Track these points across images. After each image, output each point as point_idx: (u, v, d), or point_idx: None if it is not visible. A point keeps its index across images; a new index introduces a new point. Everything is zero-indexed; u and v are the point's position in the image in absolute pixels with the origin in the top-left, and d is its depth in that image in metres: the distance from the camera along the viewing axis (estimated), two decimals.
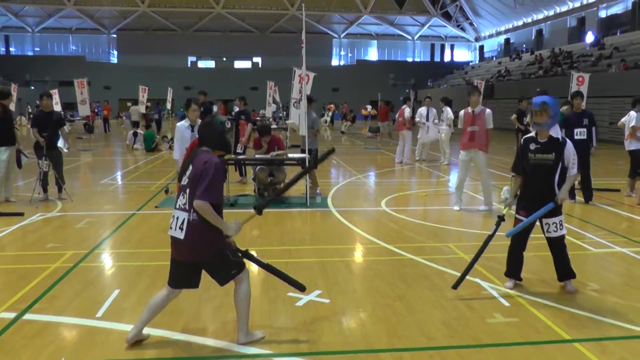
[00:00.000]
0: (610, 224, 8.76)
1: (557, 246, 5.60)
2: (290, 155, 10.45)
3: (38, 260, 6.57)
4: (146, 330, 4.39)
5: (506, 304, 5.26)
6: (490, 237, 5.74)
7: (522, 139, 5.80)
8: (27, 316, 4.84)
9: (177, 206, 4.11)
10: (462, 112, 9.77)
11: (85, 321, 4.75)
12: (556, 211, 5.44)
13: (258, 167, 10.48)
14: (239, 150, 11.26)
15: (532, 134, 5.61)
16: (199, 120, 7.95)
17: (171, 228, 4.10)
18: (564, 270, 5.65)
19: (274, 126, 19.30)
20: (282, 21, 62.18)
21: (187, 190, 4.03)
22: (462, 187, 9.85)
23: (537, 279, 6.01)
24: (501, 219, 5.72)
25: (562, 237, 5.58)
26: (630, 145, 11.03)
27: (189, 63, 64.11)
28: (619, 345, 4.38)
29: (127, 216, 9.04)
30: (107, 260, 6.71)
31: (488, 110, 9.54)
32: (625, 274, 6.37)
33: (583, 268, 6.54)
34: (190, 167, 4.06)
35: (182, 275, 4.25)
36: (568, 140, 5.49)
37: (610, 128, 24.37)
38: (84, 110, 23.31)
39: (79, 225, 8.42)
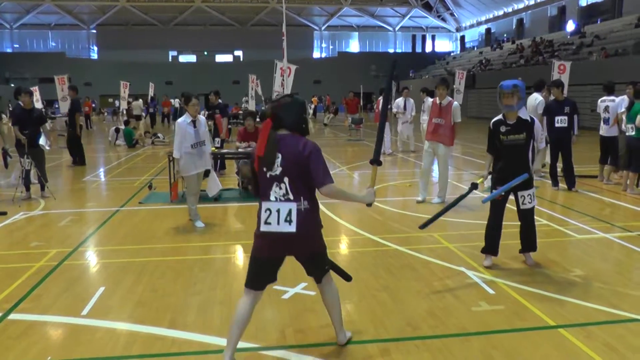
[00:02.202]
0: (593, 211, 8.86)
1: (529, 217, 5.99)
2: None
3: (22, 259, 6.51)
4: (132, 327, 4.36)
5: (491, 291, 5.30)
6: (461, 197, 6.09)
7: (490, 123, 6.05)
8: (12, 316, 4.80)
9: (274, 198, 3.66)
10: (430, 101, 9.85)
11: (71, 319, 4.71)
12: (529, 184, 5.83)
13: (241, 160, 10.44)
14: (217, 145, 11.20)
15: (500, 116, 5.90)
16: (200, 116, 7.90)
17: (268, 223, 3.65)
18: (529, 242, 6.07)
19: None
20: (263, 14, 61.89)
21: (286, 180, 3.63)
22: (427, 177, 9.83)
23: (522, 267, 6.06)
24: (474, 186, 5.99)
25: (534, 208, 5.98)
26: (610, 131, 11.22)
27: (170, 58, 63.60)
28: (604, 329, 4.44)
29: (111, 213, 8.97)
30: (91, 258, 6.65)
31: (455, 103, 9.39)
32: (608, 259, 6.45)
33: (567, 254, 6.64)
34: (280, 155, 3.63)
35: (270, 273, 3.88)
36: (535, 119, 5.91)
37: (591, 115, 24.54)
38: (65, 107, 23.01)
39: (62, 223, 8.35)
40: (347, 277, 4.46)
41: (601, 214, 8.67)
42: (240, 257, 6.60)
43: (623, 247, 6.83)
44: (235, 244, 7.14)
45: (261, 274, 3.85)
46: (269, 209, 3.66)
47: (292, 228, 3.61)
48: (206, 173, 8.13)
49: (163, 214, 8.77)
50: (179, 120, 7.83)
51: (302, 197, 3.65)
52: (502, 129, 5.82)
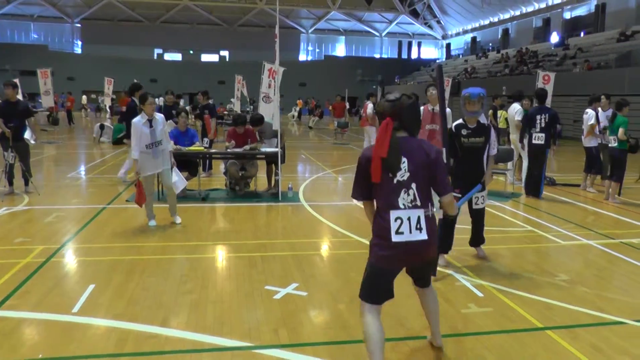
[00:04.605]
0: (577, 218, 9.00)
1: (481, 215, 6.48)
2: (262, 149, 10.40)
3: (7, 255, 6.43)
4: (124, 325, 4.34)
5: (480, 294, 5.38)
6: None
7: (452, 126, 6.28)
8: (0, 312, 4.76)
9: (402, 206, 3.45)
10: (421, 109, 9.88)
11: (62, 317, 4.68)
12: (482, 187, 6.19)
13: (229, 161, 10.44)
14: (205, 145, 11.18)
15: (461, 120, 6.20)
16: (157, 115, 7.73)
17: (400, 233, 3.43)
18: (478, 237, 6.57)
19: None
20: (251, 15, 61.75)
21: (413, 185, 3.45)
22: None
23: (508, 271, 6.15)
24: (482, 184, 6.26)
25: (484, 208, 6.48)
26: (588, 142, 11.49)
27: (155, 55, 63.05)
28: (589, 332, 4.54)
29: (97, 210, 8.91)
30: (79, 255, 6.60)
31: (448, 110, 9.51)
32: (592, 264, 6.56)
33: (552, 259, 6.76)
34: (405, 160, 3.45)
35: (391, 284, 3.64)
36: (490, 124, 6.28)
37: (574, 125, 24.99)
38: (47, 101, 22.77)
39: (47, 219, 8.28)
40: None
41: (585, 222, 8.81)
42: (229, 257, 6.60)
43: (605, 254, 6.96)
44: (224, 244, 7.15)
45: (386, 285, 3.61)
46: (400, 218, 3.43)
47: (424, 235, 3.45)
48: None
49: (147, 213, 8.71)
50: (135, 120, 7.65)
51: (428, 203, 3.51)
52: (464, 132, 6.12)
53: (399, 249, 3.45)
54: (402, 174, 3.45)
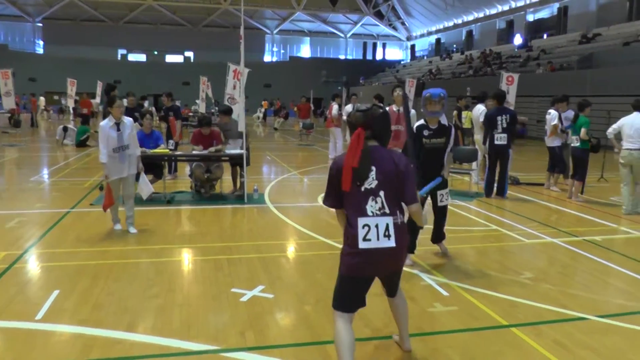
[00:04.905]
0: (541, 217, 9.19)
1: (443, 212, 6.58)
2: (227, 151, 10.33)
3: None
4: (89, 331, 4.28)
5: (445, 293, 5.45)
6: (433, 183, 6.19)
7: (414, 127, 6.34)
8: None
9: (370, 213, 3.50)
10: (386, 109, 9.92)
11: (25, 324, 4.57)
12: (445, 184, 6.38)
13: (195, 163, 10.35)
14: (171, 147, 11.08)
15: (422, 121, 6.30)
16: (125, 119, 7.59)
17: (368, 240, 3.47)
18: (440, 233, 6.71)
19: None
20: (215, 15, 61.38)
21: (381, 193, 3.51)
22: None
23: (473, 269, 6.25)
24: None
25: (447, 205, 6.59)
26: (551, 142, 11.73)
27: (119, 56, 62.10)
28: (553, 328, 4.64)
29: (61, 214, 8.75)
30: (43, 261, 6.46)
31: (412, 111, 9.65)
32: (556, 262, 6.70)
33: (516, 257, 6.88)
34: (374, 168, 3.52)
35: (365, 292, 3.69)
36: (452, 125, 6.36)
37: (538, 126, 25.49)
38: (8, 102, 22.21)
39: (9, 224, 8.08)
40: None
41: (548, 220, 8.99)
42: (195, 260, 6.55)
43: (569, 251, 7.12)
44: (190, 247, 7.09)
45: (357, 294, 3.65)
46: (367, 225, 3.48)
47: (392, 243, 3.50)
48: (138, 176, 7.96)
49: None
50: (102, 123, 7.49)
51: (397, 211, 3.56)
52: (425, 132, 6.21)
53: (366, 255, 3.49)
54: (370, 182, 3.51)
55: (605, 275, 6.22)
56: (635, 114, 9.62)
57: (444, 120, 6.30)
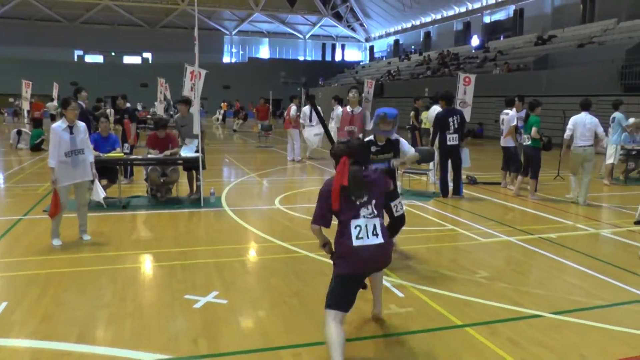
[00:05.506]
0: (497, 215, 9.30)
1: (401, 221, 6.51)
2: (183, 154, 10.13)
3: None
4: (37, 343, 4.11)
5: (400, 294, 5.44)
6: None
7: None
8: None
9: (363, 216, 4.02)
10: (340, 110, 9.98)
11: None
12: (395, 195, 6.36)
13: (150, 167, 10.13)
14: (126, 151, 10.85)
15: (372, 137, 6.29)
16: (78, 123, 7.31)
17: (360, 238, 3.96)
18: (394, 232, 6.58)
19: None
20: (173, 16, 60.70)
21: (372, 202, 4.07)
22: None
23: (429, 270, 6.26)
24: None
25: (404, 213, 6.50)
26: (506, 142, 11.93)
27: (76, 57, 60.84)
28: (507, 326, 4.67)
29: (13, 222, 8.45)
30: None
31: (367, 112, 9.70)
32: (511, 260, 6.78)
33: (472, 257, 6.92)
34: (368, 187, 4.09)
35: (357, 291, 4.11)
36: (400, 138, 6.36)
37: (495, 125, 25.81)
38: None
39: None
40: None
41: (504, 219, 9.10)
42: (150, 266, 6.41)
43: (524, 249, 7.21)
44: (145, 253, 6.93)
45: (352, 292, 4.05)
46: (359, 226, 3.99)
47: (380, 239, 4.00)
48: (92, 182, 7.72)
49: (69, 223, 7.95)
50: (54, 125, 7.18)
51: (382, 214, 4.15)
52: (373, 149, 6.19)
53: (359, 252, 3.95)
54: (364, 196, 4.05)
55: (560, 271, 6.31)
56: (583, 113, 10.27)
57: (394, 136, 6.27)
